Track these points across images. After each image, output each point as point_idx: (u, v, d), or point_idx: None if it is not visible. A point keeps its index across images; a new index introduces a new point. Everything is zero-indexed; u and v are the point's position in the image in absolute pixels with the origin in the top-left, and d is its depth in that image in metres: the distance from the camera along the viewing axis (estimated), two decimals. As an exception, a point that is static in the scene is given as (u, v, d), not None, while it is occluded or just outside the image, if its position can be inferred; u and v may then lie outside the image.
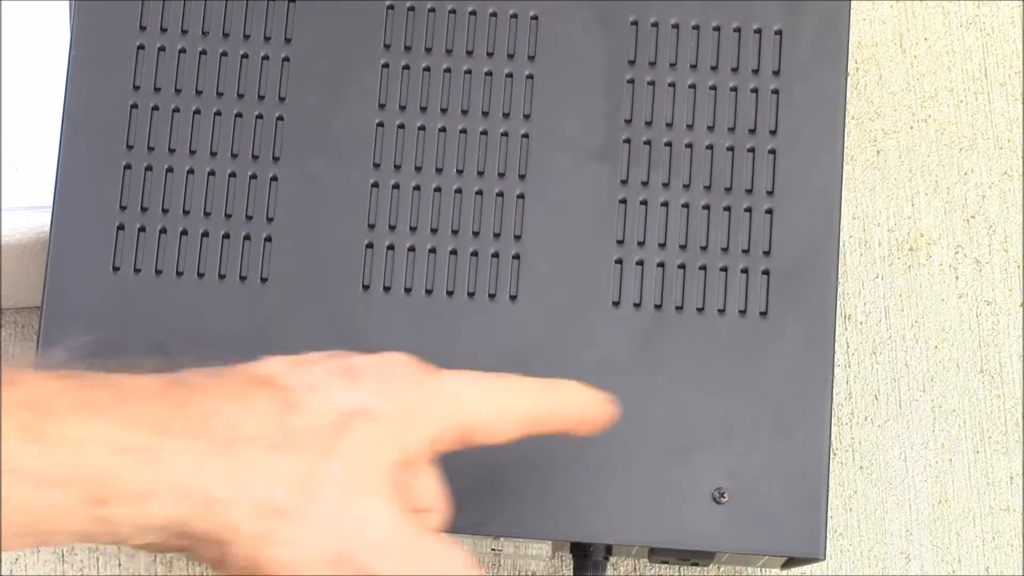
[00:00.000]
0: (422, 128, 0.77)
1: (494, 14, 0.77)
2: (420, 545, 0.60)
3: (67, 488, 0.55)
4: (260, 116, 0.77)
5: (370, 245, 0.76)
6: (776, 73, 0.77)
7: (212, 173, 0.76)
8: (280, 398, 0.59)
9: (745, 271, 0.76)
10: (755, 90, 0.77)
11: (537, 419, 0.65)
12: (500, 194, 0.76)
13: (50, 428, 0.55)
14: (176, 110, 0.76)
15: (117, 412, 0.56)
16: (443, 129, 0.77)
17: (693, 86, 0.77)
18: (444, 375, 0.63)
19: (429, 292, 0.75)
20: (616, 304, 0.75)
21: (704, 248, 0.76)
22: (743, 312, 0.75)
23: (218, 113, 0.76)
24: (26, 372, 0.57)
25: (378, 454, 0.60)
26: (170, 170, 0.76)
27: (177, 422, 0.57)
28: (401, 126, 0.77)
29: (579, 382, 0.65)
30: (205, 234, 0.76)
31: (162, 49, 0.77)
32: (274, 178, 0.76)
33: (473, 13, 0.77)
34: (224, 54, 0.77)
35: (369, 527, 0.59)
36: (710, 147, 0.77)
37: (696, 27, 0.77)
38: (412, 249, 0.76)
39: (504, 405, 0.64)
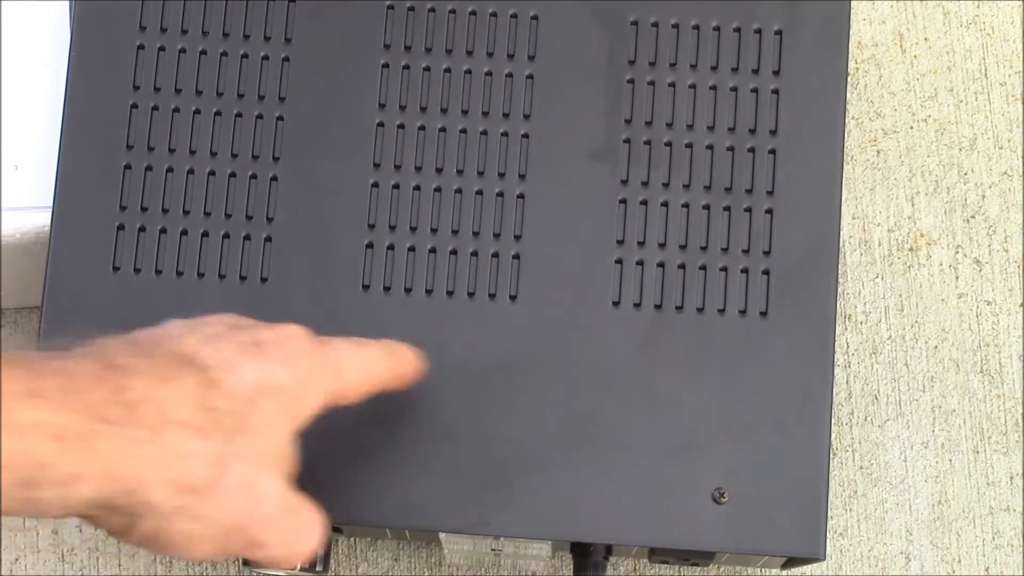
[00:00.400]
0: (422, 128, 0.77)
1: (494, 14, 0.77)
2: (297, 516, 0.65)
3: (5, 471, 0.57)
4: (260, 116, 0.77)
5: (370, 245, 0.76)
6: (776, 73, 0.77)
7: (212, 173, 0.76)
8: (202, 377, 0.62)
9: (745, 271, 0.76)
10: (755, 90, 0.77)
11: (384, 379, 0.70)
12: (500, 194, 0.76)
13: None
14: (176, 110, 0.76)
15: (60, 399, 0.59)
16: (443, 129, 0.77)
17: (693, 86, 0.77)
18: (330, 345, 0.67)
19: (429, 292, 0.75)
20: (616, 304, 0.75)
21: (704, 248, 0.76)
22: (743, 312, 0.75)
23: (218, 113, 0.76)
24: None
25: (280, 427, 0.64)
26: (170, 170, 0.76)
27: (113, 408, 0.60)
28: (401, 126, 0.77)
29: (403, 343, 0.71)
30: (205, 234, 0.76)
31: (162, 49, 0.77)
32: (274, 178, 0.76)
33: (473, 13, 0.77)
34: (224, 54, 0.77)
35: (263, 500, 0.63)
36: (710, 147, 0.77)
37: (696, 27, 0.77)
38: (412, 249, 0.76)
39: (371, 370, 0.69)
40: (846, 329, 0.88)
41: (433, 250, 0.76)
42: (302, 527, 0.65)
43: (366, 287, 0.75)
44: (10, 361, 0.59)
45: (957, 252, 0.89)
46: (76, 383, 0.60)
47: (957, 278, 0.89)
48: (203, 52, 0.77)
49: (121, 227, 0.76)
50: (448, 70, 0.77)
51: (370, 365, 0.69)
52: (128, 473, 0.60)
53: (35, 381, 0.59)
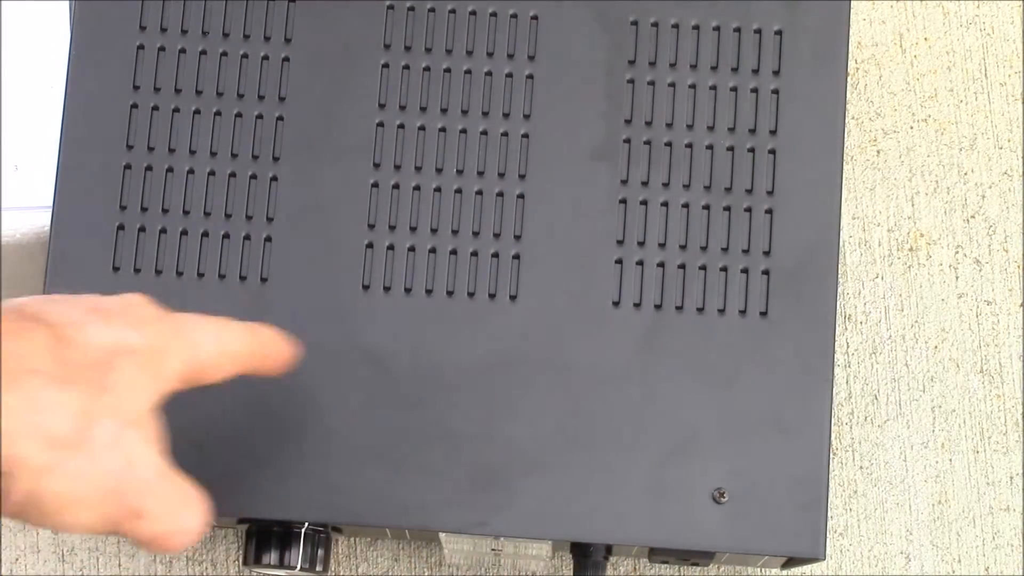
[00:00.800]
0: (422, 128, 0.77)
1: (494, 14, 0.77)
2: (175, 482, 0.62)
3: None
4: (260, 116, 0.77)
5: (370, 245, 0.76)
6: (776, 73, 0.77)
7: (212, 173, 0.76)
8: (52, 333, 0.60)
9: (745, 271, 0.76)
10: (755, 90, 0.77)
11: (248, 359, 0.67)
12: (500, 194, 0.76)
13: None
14: (176, 110, 0.76)
15: None
16: (443, 129, 0.77)
17: (693, 86, 0.77)
18: (181, 316, 0.65)
19: (429, 292, 0.75)
20: (616, 304, 0.75)
21: (704, 248, 0.76)
22: (743, 312, 0.75)
23: (218, 113, 0.77)
24: None
25: (143, 388, 0.62)
26: (170, 170, 0.76)
27: None
28: (401, 126, 0.77)
29: (267, 326, 0.69)
30: (205, 234, 0.76)
31: (162, 49, 0.77)
32: (274, 178, 0.76)
33: (473, 13, 0.77)
34: (224, 54, 0.77)
35: (137, 462, 0.61)
36: (710, 147, 0.77)
37: (696, 27, 0.77)
38: (412, 249, 0.76)
39: (228, 346, 0.66)
40: (846, 329, 0.88)
41: (433, 250, 0.76)
42: (183, 499, 0.63)
43: (366, 287, 0.75)
44: None
45: (957, 252, 0.89)
46: None
47: (957, 278, 0.89)
48: (203, 52, 0.77)
49: (121, 227, 0.76)
50: (448, 70, 0.77)
51: (226, 341, 0.66)
52: None
53: None
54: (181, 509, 0.63)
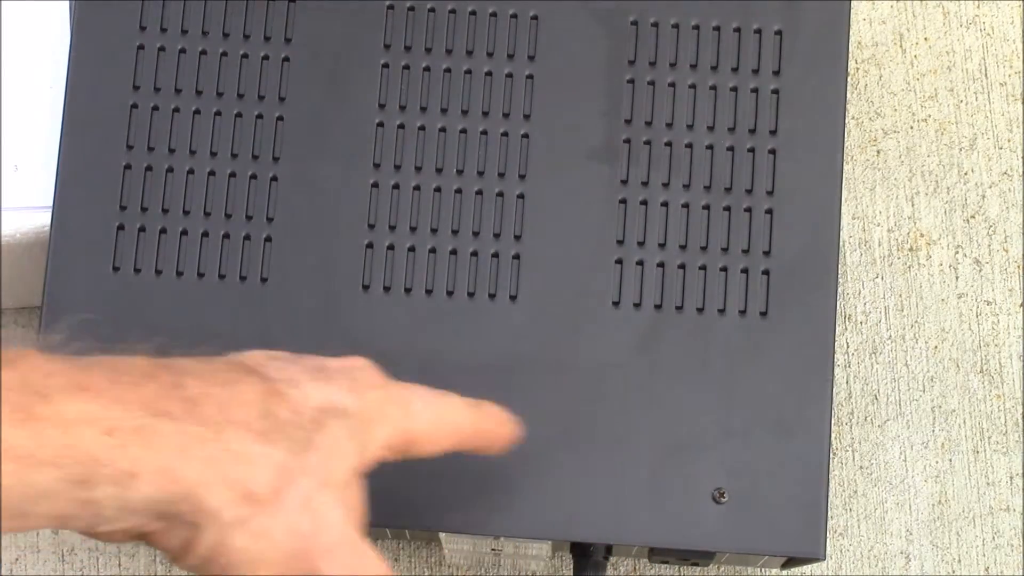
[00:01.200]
0: (422, 128, 0.77)
1: (494, 14, 0.77)
2: (361, 552, 0.61)
3: (54, 469, 0.55)
4: (260, 116, 0.77)
5: (370, 245, 0.76)
6: (776, 73, 0.77)
7: (212, 173, 0.76)
8: (266, 387, 0.59)
9: (745, 271, 0.76)
10: (755, 90, 0.77)
11: (466, 435, 0.66)
12: (500, 194, 0.76)
13: (42, 409, 0.55)
14: (176, 110, 0.76)
15: (110, 393, 0.56)
16: (443, 129, 0.77)
17: (693, 86, 0.77)
18: (402, 384, 0.64)
19: (429, 292, 0.75)
20: (616, 304, 0.75)
21: (704, 248, 0.76)
22: (743, 312, 0.75)
23: (218, 113, 0.76)
24: (24, 352, 0.57)
25: (347, 451, 0.60)
26: (170, 170, 0.76)
27: (169, 403, 0.57)
28: (401, 126, 0.77)
29: (496, 404, 0.67)
30: (205, 234, 0.76)
31: (162, 49, 0.77)
32: (274, 178, 0.76)
33: (473, 13, 0.77)
34: (224, 54, 0.77)
35: (325, 526, 0.59)
36: (710, 147, 0.77)
37: (696, 27, 0.77)
38: (412, 249, 0.76)
39: (445, 418, 0.65)
40: (846, 329, 0.88)
41: (433, 250, 0.76)
42: (367, 567, 0.61)
43: (366, 287, 0.75)
44: (55, 357, 0.56)
45: (957, 252, 0.89)
46: (126, 377, 0.57)
47: (957, 278, 0.89)
48: (203, 52, 0.77)
49: (121, 227, 0.76)
50: (448, 70, 0.77)
51: (446, 413, 0.65)
52: (187, 471, 0.56)
53: (80, 374, 0.56)
54: (358, 569, 0.60)
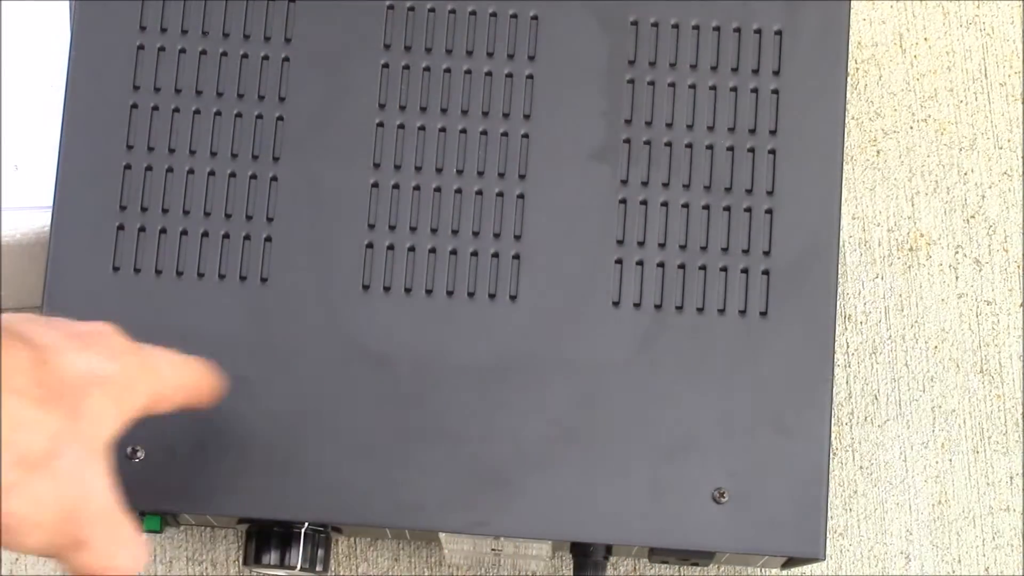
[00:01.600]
0: (422, 128, 0.77)
1: (494, 14, 0.77)
2: (121, 522, 0.62)
3: None
4: (260, 116, 0.77)
5: (370, 245, 0.76)
6: (776, 73, 0.77)
7: (212, 173, 0.76)
8: (34, 354, 0.60)
9: (745, 271, 0.76)
10: (755, 90, 0.77)
11: (195, 394, 0.68)
12: (500, 194, 0.76)
13: None
14: (176, 110, 0.76)
15: None
16: (443, 129, 0.77)
17: (693, 86, 0.77)
18: (147, 348, 0.66)
19: (429, 292, 0.75)
20: (616, 304, 0.75)
21: (704, 248, 0.76)
22: (743, 312, 0.75)
23: (218, 113, 0.77)
24: None
25: (110, 418, 0.62)
26: (170, 170, 0.76)
27: None
28: (401, 126, 0.77)
29: (198, 359, 0.69)
30: (205, 234, 0.76)
31: (162, 49, 0.77)
32: (274, 178, 0.76)
33: (473, 13, 0.77)
34: (224, 54, 0.77)
35: (92, 496, 0.61)
36: (710, 147, 0.77)
37: (696, 27, 0.77)
38: (412, 249, 0.76)
39: (183, 380, 0.67)
40: (846, 329, 0.88)
41: (433, 250, 0.76)
42: (126, 539, 0.62)
43: (366, 287, 0.75)
44: None
45: (957, 252, 0.89)
46: None
47: (957, 278, 0.89)
48: (203, 52, 0.77)
49: (121, 227, 0.76)
50: (448, 70, 0.77)
51: (184, 375, 0.67)
52: None
53: None
54: (121, 548, 0.62)
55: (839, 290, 0.77)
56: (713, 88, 0.77)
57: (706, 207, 0.76)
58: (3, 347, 0.59)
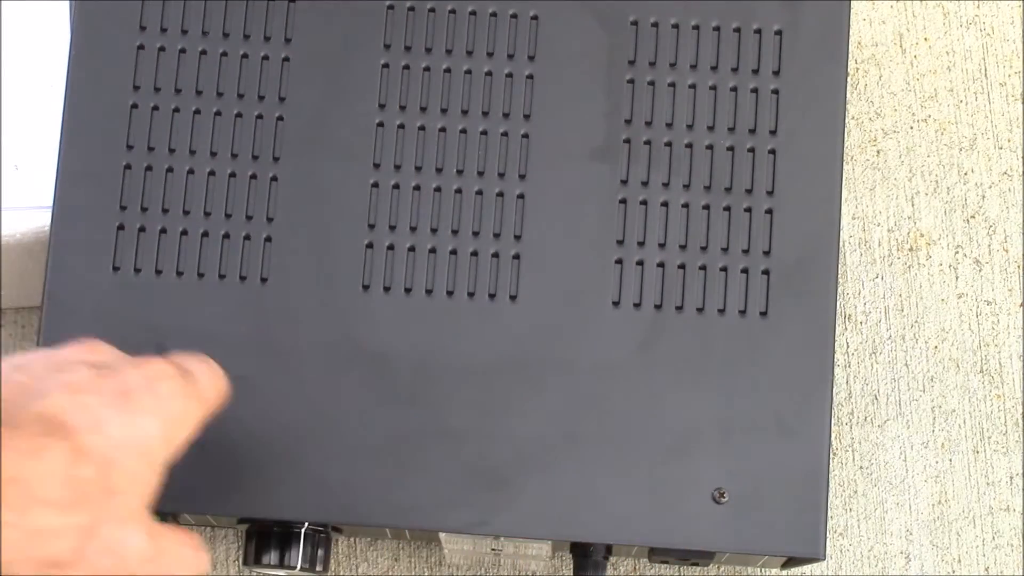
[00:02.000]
0: (422, 128, 0.77)
1: (494, 14, 0.77)
2: (166, 556, 0.63)
3: None
4: (260, 116, 0.77)
5: (370, 245, 0.76)
6: (776, 73, 0.77)
7: (212, 173, 0.76)
8: (69, 447, 0.60)
9: (745, 271, 0.76)
10: (755, 90, 0.77)
11: (219, 404, 0.68)
12: (500, 194, 0.76)
13: None
14: (176, 110, 0.76)
15: None
16: (443, 129, 0.77)
17: (693, 86, 0.77)
18: (194, 376, 0.66)
19: (429, 292, 0.75)
20: (616, 304, 0.75)
21: (704, 248, 0.76)
22: (743, 312, 0.75)
23: (218, 113, 0.77)
24: None
25: (145, 480, 0.62)
26: (170, 170, 0.76)
27: None
28: (401, 126, 0.77)
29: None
30: (205, 234, 0.76)
31: (162, 49, 0.77)
32: (274, 178, 0.76)
33: (473, 13, 0.77)
34: (224, 54, 0.77)
35: (128, 557, 0.61)
36: (710, 147, 0.77)
37: (696, 27, 0.77)
38: (412, 249, 0.76)
39: (218, 392, 0.68)
40: (846, 329, 0.88)
41: (433, 250, 0.76)
42: (172, 563, 0.63)
43: (366, 287, 0.75)
44: None
45: (957, 252, 0.89)
46: None
47: (957, 278, 0.89)
48: (203, 52, 0.77)
49: (121, 227, 0.76)
50: (448, 70, 0.77)
51: (219, 387, 0.68)
52: None
53: None
54: (175, 570, 0.63)
55: (839, 290, 0.77)
56: (713, 88, 0.77)
57: (706, 207, 0.76)
58: (36, 448, 0.59)
